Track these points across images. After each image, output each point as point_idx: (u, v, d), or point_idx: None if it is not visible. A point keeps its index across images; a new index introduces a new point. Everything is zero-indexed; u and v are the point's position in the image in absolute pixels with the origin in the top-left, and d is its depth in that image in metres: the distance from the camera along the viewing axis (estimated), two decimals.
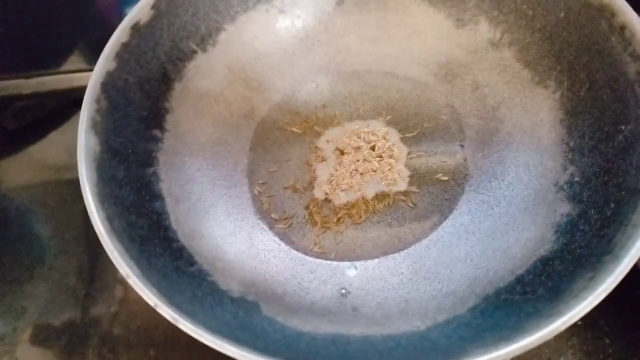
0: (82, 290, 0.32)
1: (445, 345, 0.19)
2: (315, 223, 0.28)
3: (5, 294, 0.33)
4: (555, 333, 0.17)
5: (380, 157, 0.29)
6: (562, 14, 0.27)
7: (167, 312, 0.18)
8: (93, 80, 0.24)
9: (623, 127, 0.23)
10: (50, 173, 0.38)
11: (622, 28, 0.24)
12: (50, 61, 0.42)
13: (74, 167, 0.36)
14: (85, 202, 0.21)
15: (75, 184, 0.35)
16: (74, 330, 0.30)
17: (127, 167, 0.25)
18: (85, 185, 0.21)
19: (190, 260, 0.24)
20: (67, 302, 0.31)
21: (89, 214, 0.21)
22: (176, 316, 0.18)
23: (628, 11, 0.24)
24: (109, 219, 0.21)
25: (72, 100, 0.40)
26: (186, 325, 0.18)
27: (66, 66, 0.41)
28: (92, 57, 0.43)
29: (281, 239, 0.27)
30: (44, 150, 0.39)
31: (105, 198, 0.22)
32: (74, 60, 0.42)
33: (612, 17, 0.24)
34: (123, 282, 0.31)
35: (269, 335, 0.21)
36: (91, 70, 0.38)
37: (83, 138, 0.23)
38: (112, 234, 0.20)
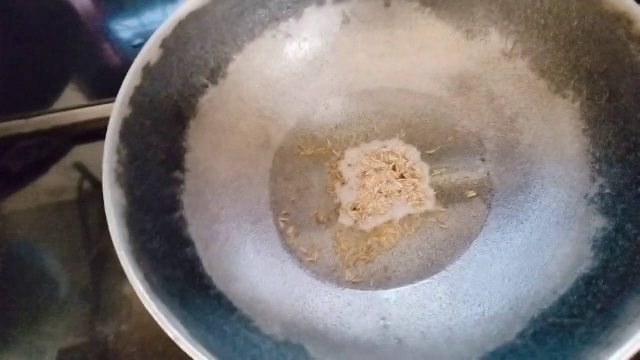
0: (91, 314, 0.31)
1: None
2: (344, 254, 0.27)
3: (24, 335, 0.32)
4: None
5: (403, 177, 0.29)
6: (576, 23, 0.26)
7: None
8: (111, 131, 0.24)
9: None
10: (47, 197, 0.37)
11: None
12: (45, 99, 0.41)
13: (69, 190, 0.36)
14: (122, 262, 0.21)
15: (71, 205, 0.35)
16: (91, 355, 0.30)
17: (154, 216, 0.24)
18: (120, 245, 0.21)
19: (230, 307, 0.23)
20: (82, 331, 0.31)
21: (127, 275, 0.20)
22: None
23: None
24: (147, 278, 0.21)
25: (73, 136, 0.39)
26: None
27: (63, 102, 0.41)
28: (87, 89, 0.42)
29: (313, 273, 0.27)
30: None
31: (140, 254, 0.21)
32: (70, 96, 0.41)
33: (629, 26, 0.24)
34: (129, 299, 0.31)
35: None
36: (90, 105, 0.39)
37: (110, 194, 0.22)
38: (153, 294, 0.20)
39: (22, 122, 0.38)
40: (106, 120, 0.36)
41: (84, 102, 0.40)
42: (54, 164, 0.39)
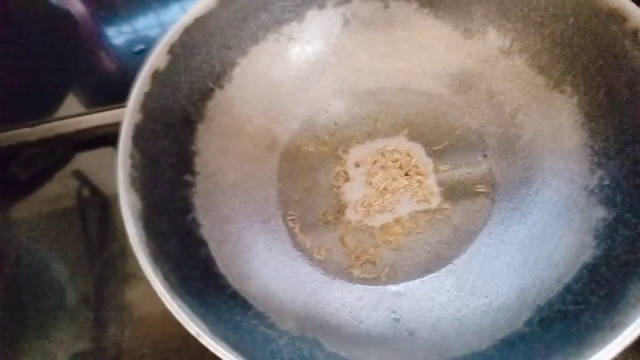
0: (96, 320, 0.32)
1: None
2: (352, 252, 0.28)
3: (34, 340, 0.33)
4: (623, 346, 0.18)
5: (408, 174, 0.30)
6: (572, 20, 0.27)
7: None
8: (124, 136, 0.24)
9: None
10: (49, 205, 0.38)
11: (635, 32, 0.24)
12: (46, 108, 0.42)
13: (67, 197, 0.36)
14: (142, 263, 0.21)
15: (70, 212, 0.36)
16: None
17: (169, 218, 0.25)
18: (139, 247, 0.21)
19: (246, 305, 0.24)
20: (91, 336, 0.32)
21: (147, 275, 0.21)
22: None
23: (639, 15, 0.24)
24: (166, 278, 0.21)
25: (76, 143, 0.40)
26: None
27: (64, 111, 0.41)
28: (85, 97, 0.43)
29: (323, 270, 0.28)
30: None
31: (158, 255, 0.22)
32: (71, 104, 0.42)
33: (623, 22, 0.25)
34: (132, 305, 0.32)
35: None
36: (91, 112, 0.39)
37: (126, 198, 0.23)
38: (173, 293, 0.20)
39: (27, 130, 0.39)
40: (108, 126, 0.37)
41: (83, 109, 0.41)
42: (58, 172, 0.40)
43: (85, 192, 0.38)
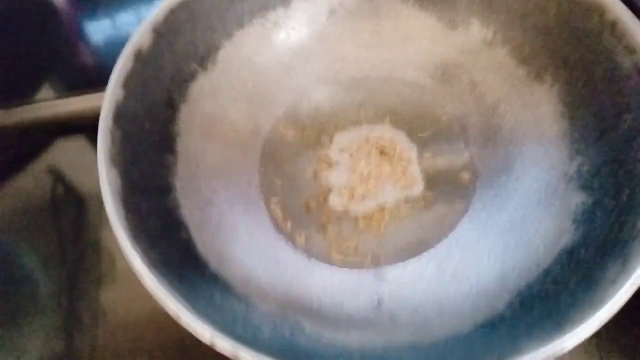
0: (69, 319, 0.31)
1: (496, 345, 0.20)
2: (334, 236, 0.28)
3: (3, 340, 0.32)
4: (604, 321, 0.18)
5: (392, 161, 0.30)
6: (553, 12, 0.28)
7: (226, 343, 0.18)
8: (105, 113, 0.24)
9: (626, 117, 0.24)
10: (21, 200, 0.37)
11: (614, 24, 0.25)
12: (24, 92, 0.40)
13: (39, 194, 0.35)
14: (120, 240, 0.21)
15: (43, 209, 0.35)
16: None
17: (149, 196, 0.24)
18: (117, 222, 0.21)
19: (227, 286, 0.23)
20: (62, 334, 0.31)
21: (124, 251, 0.21)
22: (237, 345, 0.18)
23: (618, 7, 0.25)
24: (146, 254, 0.21)
25: (56, 128, 0.39)
26: (248, 354, 0.18)
27: (44, 94, 0.40)
28: (61, 84, 0.42)
29: (305, 254, 0.27)
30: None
31: (136, 232, 0.21)
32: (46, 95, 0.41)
33: (603, 14, 0.25)
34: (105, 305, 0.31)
35: (320, 353, 0.21)
36: (71, 95, 0.38)
37: (105, 173, 0.22)
38: (153, 270, 0.20)
39: (2, 112, 0.38)
40: (88, 112, 0.37)
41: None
42: (35, 160, 0.39)
43: (60, 189, 0.37)
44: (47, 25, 0.44)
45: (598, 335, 0.26)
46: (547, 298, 0.21)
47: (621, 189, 0.23)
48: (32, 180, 0.37)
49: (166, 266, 0.21)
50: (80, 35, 0.44)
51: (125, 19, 0.44)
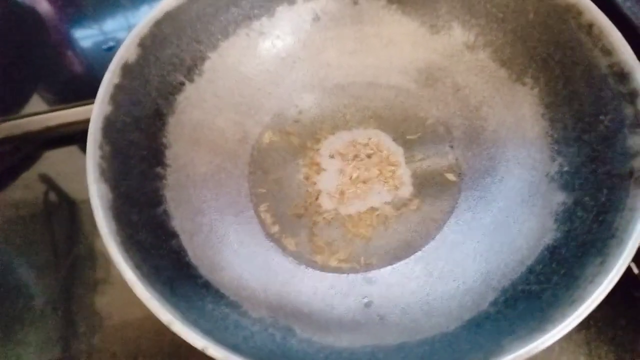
0: (64, 326, 0.31)
1: (482, 343, 0.20)
2: (323, 241, 0.28)
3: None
4: (581, 319, 0.19)
5: (379, 164, 0.30)
6: (532, 15, 0.28)
7: (218, 352, 0.19)
8: (93, 127, 0.24)
9: (603, 118, 0.25)
10: (14, 210, 0.37)
11: (590, 26, 0.26)
12: (11, 107, 0.41)
13: (30, 203, 0.36)
14: (112, 253, 0.21)
15: (36, 216, 0.35)
16: None
17: (139, 209, 0.25)
18: (108, 235, 0.21)
19: (218, 294, 0.24)
20: (58, 341, 0.31)
21: (116, 264, 0.21)
22: (228, 354, 0.19)
23: (593, 9, 0.26)
24: (138, 267, 0.21)
25: (45, 140, 0.39)
26: None
27: (31, 109, 0.40)
28: (51, 97, 0.42)
29: (295, 260, 0.28)
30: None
31: (128, 245, 0.22)
32: (37, 104, 0.41)
33: (579, 16, 0.26)
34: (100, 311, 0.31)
35: (311, 356, 0.21)
36: (59, 108, 0.38)
37: (95, 188, 0.23)
38: (145, 281, 0.20)
39: None
40: (77, 124, 0.37)
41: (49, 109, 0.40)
42: (25, 171, 0.39)
43: (52, 197, 0.37)
44: (34, 35, 0.44)
45: (587, 328, 0.28)
46: (529, 296, 0.22)
47: (600, 188, 0.24)
48: (23, 189, 0.37)
49: (158, 277, 0.22)
50: (68, 44, 0.45)
51: (112, 24, 0.44)
